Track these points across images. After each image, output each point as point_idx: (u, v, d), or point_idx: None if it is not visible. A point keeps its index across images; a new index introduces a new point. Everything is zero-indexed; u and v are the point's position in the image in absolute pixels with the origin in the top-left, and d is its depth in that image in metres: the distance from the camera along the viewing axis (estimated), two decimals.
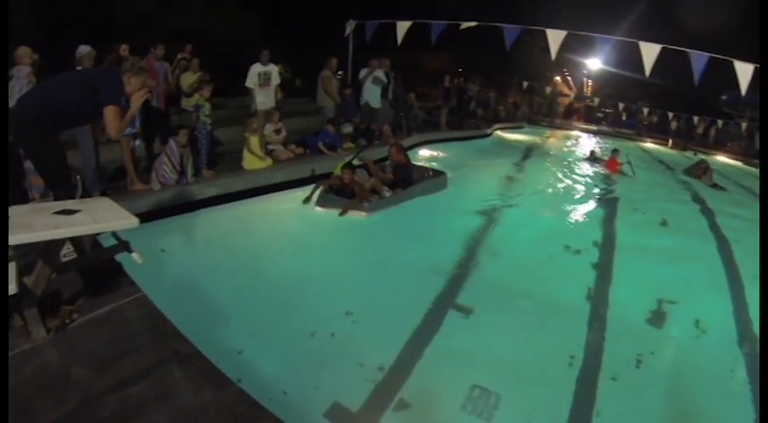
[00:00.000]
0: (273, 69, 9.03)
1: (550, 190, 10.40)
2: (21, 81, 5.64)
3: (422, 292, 4.80)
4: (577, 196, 9.94)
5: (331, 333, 4.00)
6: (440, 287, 5.00)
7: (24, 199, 5.16)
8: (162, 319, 3.32)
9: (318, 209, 7.05)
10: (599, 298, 5.11)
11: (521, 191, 9.77)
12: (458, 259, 5.77)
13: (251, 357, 3.55)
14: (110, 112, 3.78)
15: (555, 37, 10.37)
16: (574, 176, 12.05)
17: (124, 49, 6.81)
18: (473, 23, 11.26)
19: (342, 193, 7.20)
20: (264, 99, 9.00)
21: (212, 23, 19.54)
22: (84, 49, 6.07)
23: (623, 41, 10.60)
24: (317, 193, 7.25)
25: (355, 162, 7.85)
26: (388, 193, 7.64)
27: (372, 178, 7.84)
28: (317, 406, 3.13)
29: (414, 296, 4.72)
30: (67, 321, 3.20)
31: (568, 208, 8.92)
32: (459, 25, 11.33)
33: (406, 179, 8.05)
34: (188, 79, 8.00)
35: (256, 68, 8.86)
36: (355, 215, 6.86)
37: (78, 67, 5.85)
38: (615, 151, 13.17)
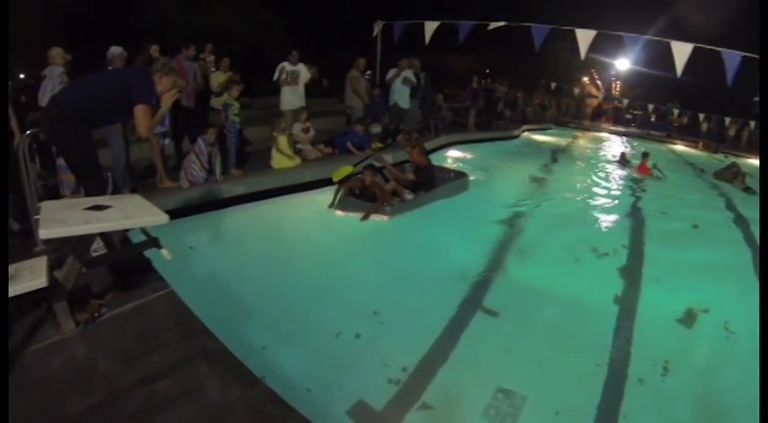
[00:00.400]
0: (302, 68, 9.02)
1: (579, 192, 10.21)
2: (53, 80, 5.77)
3: (448, 295, 4.75)
4: (606, 199, 9.74)
5: (356, 334, 3.98)
6: (466, 290, 4.94)
7: (56, 196, 5.25)
8: (190, 315, 3.34)
9: (339, 213, 6.92)
10: (627, 302, 4.99)
11: (549, 193, 9.64)
12: (484, 262, 5.70)
13: (275, 355, 3.54)
14: (140, 111, 3.81)
15: (584, 37, 10.21)
16: (603, 179, 11.83)
17: (154, 50, 6.89)
18: (501, 23, 11.14)
19: (363, 196, 7.09)
20: (292, 98, 9.01)
21: (239, 25, 19.76)
22: (115, 50, 6.17)
23: (653, 41, 10.37)
24: (339, 196, 7.19)
25: (375, 164, 7.76)
26: (409, 196, 7.51)
27: (392, 181, 7.72)
28: (340, 404, 3.12)
29: (440, 299, 4.67)
30: (96, 315, 3.24)
31: (597, 211, 8.75)
32: (488, 25, 11.21)
33: (429, 181, 7.91)
34: (218, 79, 8.07)
35: (283, 66, 8.89)
36: (377, 219, 6.73)
37: (110, 68, 5.96)
38: (646, 155, 12.91)
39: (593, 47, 10.46)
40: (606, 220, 8.19)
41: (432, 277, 5.16)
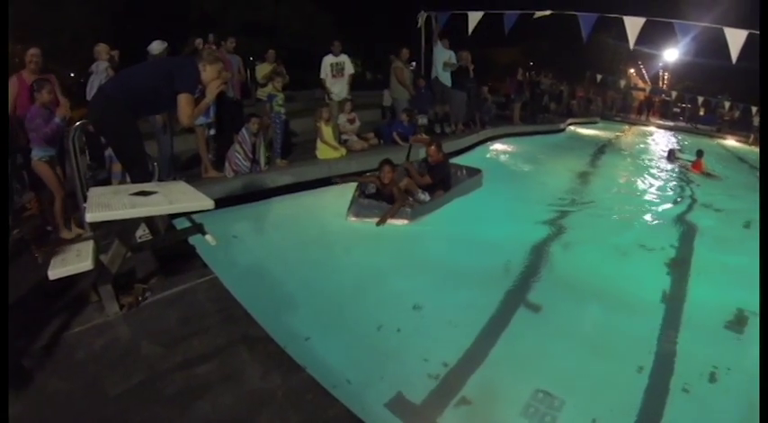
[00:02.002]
0: (346, 60, 8.99)
1: (626, 188, 9.94)
2: (100, 75, 5.94)
3: (489, 292, 4.61)
4: (654, 195, 9.42)
5: (397, 328, 3.89)
6: (507, 287, 4.79)
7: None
8: (232, 301, 3.34)
9: (352, 219, 6.17)
10: (673, 304, 4.73)
11: (595, 189, 9.36)
12: (527, 258, 5.52)
13: (315, 345, 3.50)
14: (183, 100, 3.81)
15: (633, 25, 9.83)
16: (651, 175, 11.45)
17: (198, 43, 6.97)
18: (547, 12, 10.82)
19: (377, 196, 6.55)
20: (338, 90, 9.00)
21: (283, 19, 20.00)
22: (159, 45, 6.28)
23: (705, 28, 9.88)
24: (351, 198, 6.55)
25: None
26: (423, 196, 7.01)
27: (406, 178, 7.12)
28: (379, 397, 3.05)
29: (480, 296, 4.53)
30: (140, 299, 3.29)
31: (644, 208, 8.44)
32: (533, 15, 10.92)
33: (445, 179, 7.45)
34: (263, 70, 8.12)
35: (329, 59, 8.87)
36: (396, 223, 6.12)
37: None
38: (701, 153, 12.30)
39: (641, 37, 10.05)
40: (654, 217, 7.87)
41: (472, 275, 4.99)
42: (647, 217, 7.87)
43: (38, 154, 4.34)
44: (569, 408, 3.10)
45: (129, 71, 4.08)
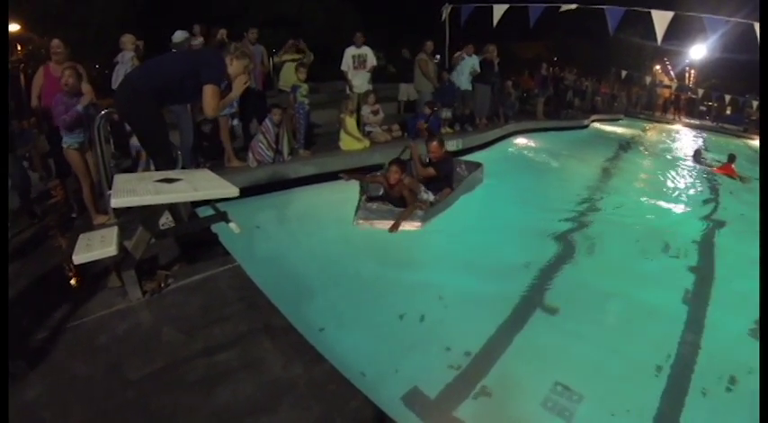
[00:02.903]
0: (368, 52, 8.96)
1: (650, 188, 9.72)
2: (125, 65, 6.02)
3: (512, 286, 4.57)
4: (680, 196, 9.23)
5: (421, 315, 3.89)
6: (530, 282, 4.75)
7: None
8: (254, 289, 3.34)
9: (362, 223, 5.81)
10: (696, 305, 4.64)
11: (619, 187, 9.23)
12: (547, 256, 5.43)
13: (335, 336, 3.47)
14: (208, 91, 3.80)
15: (661, 20, 9.60)
16: (676, 175, 11.20)
17: (221, 34, 6.98)
18: (573, 6, 10.63)
19: (385, 199, 6.24)
20: (360, 82, 8.97)
21: (307, 12, 20.05)
22: (181, 35, 6.31)
23: (734, 24, 9.59)
24: (358, 203, 6.29)
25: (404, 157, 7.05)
26: (426, 194, 6.49)
27: (408, 177, 6.41)
28: (396, 389, 3.02)
29: (504, 290, 4.50)
30: (163, 285, 3.31)
31: (669, 208, 8.27)
32: (558, 8, 10.73)
33: (448, 176, 7.06)
34: (281, 57, 8.16)
35: (350, 51, 8.87)
36: (408, 228, 5.75)
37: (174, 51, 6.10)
38: (732, 157, 11.96)
39: (667, 33, 9.79)
40: (678, 219, 7.72)
41: (497, 267, 4.98)
42: (671, 218, 7.73)
43: (68, 141, 4.39)
44: (587, 403, 3.07)
45: (154, 61, 4.10)
